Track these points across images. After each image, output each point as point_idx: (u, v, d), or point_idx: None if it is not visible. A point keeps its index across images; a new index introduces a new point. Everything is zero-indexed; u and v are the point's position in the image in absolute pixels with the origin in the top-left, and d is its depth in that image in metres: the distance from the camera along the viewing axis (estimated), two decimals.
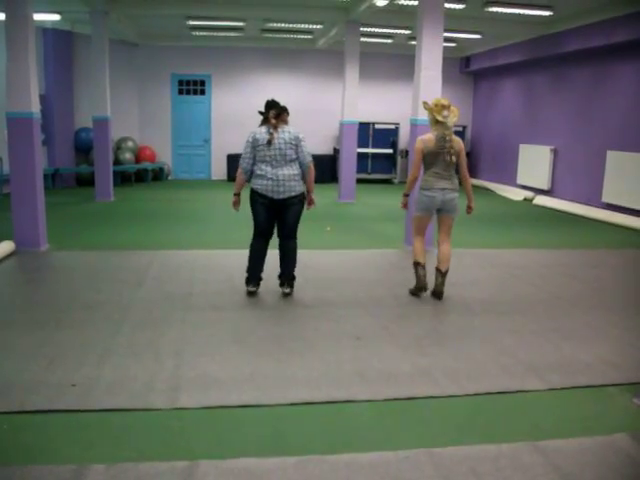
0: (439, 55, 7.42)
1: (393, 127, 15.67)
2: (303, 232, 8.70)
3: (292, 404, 3.47)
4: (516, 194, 13.48)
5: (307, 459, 2.88)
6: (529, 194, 13.11)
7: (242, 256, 7.11)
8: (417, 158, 5.44)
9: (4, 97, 7.01)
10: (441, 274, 5.53)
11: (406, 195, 5.69)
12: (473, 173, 16.38)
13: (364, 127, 14.63)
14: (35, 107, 7.06)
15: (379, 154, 15.66)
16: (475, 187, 15.61)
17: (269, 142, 5.20)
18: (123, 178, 14.04)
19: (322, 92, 15.51)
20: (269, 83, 15.61)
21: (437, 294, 5.54)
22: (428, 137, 5.40)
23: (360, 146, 13.11)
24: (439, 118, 5.32)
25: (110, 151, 11.56)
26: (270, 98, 5.48)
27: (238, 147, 15.53)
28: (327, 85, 15.42)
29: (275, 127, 5.25)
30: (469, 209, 5.68)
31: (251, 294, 5.51)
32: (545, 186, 12.76)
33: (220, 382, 3.70)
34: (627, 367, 4.07)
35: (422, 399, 3.59)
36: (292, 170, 5.29)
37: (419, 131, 7.53)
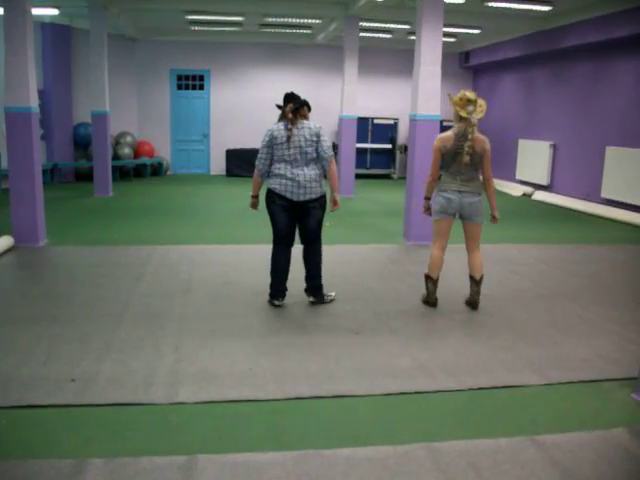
0: (438, 50, 7.41)
1: (392, 122, 15.66)
2: None
3: (291, 399, 3.48)
4: (515, 189, 13.48)
5: (306, 454, 2.88)
6: (528, 189, 13.10)
7: (241, 251, 7.14)
8: (435, 158, 5.00)
9: (3, 92, 7.00)
10: (476, 282, 5.09)
11: (427, 198, 5.15)
12: None
13: (363, 122, 14.59)
14: (34, 102, 7.04)
15: (378, 149, 15.64)
16: None
17: (288, 139, 4.81)
18: (122, 173, 14.02)
19: (321, 87, 15.48)
20: (268, 78, 15.59)
21: (472, 304, 5.13)
22: (448, 135, 4.94)
23: (359, 141, 13.09)
24: (462, 114, 4.83)
25: (109, 146, 11.54)
26: (289, 91, 5.05)
27: (237, 142, 15.57)
28: (326, 80, 15.38)
29: (293, 122, 4.85)
30: (494, 219, 5.12)
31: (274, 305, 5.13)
32: (544, 181, 12.76)
33: (219, 377, 3.71)
34: (626, 362, 4.07)
35: (421, 394, 3.59)
36: (313, 171, 4.87)
37: (418, 126, 7.55)
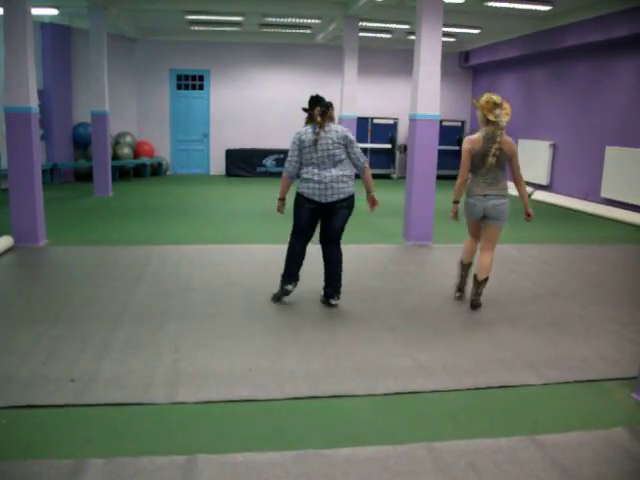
0: (438, 50, 7.41)
1: (392, 122, 15.66)
2: None
3: (290, 399, 3.48)
4: (515, 189, 13.45)
5: (306, 453, 2.88)
6: (528, 189, 12.92)
7: (241, 251, 7.14)
8: (465, 160, 5.00)
9: (2, 92, 6.99)
10: (476, 283, 5.07)
11: (456, 202, 5.16)
12: None
13: (363, 122, 14.60)
14: (33, 102, 7.04)
15: (378, 149, 15.65)
16: None
17: (315, 142, 4.85)
18: (121, 173, 14.01)
19: (321, 87, 15.36)
20: (267, 78, 15.61)
21: (472, 305, 5.10)
22: (476, 137, 4.97)
23: (359, 141, 13.00)
24: (490, 117, 4.88)
25: (108, 146, 11.54)
26: (314, 93, 5.07)
27: (237, 142, 15.57)
28: (326, 80, 15.36)
29: (321, 126, 4.87)
30: (528, 216, 5.16)
31: (286, 293, 5.15)
32: (544, 181, 12.76)
33: (219, 377, 3.71)
34: (625, 362, 4.07)
35: (421, 394, 3.59)
36: (340, 171, 4.91)
37: (418, 126, 7.55)
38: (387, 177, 15.83)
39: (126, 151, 14.16)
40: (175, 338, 4.33)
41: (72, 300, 5.17)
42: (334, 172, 4.89)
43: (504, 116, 4.90)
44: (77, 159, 13.79)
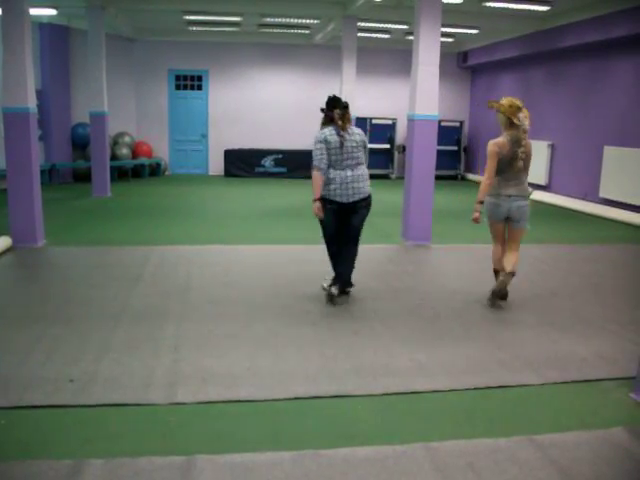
0: (437, 50, 7.42)
1: (390, 122, 15.66)
2: (300, 227, 8.73)
3: (290, 399, 3.48)
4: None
5: (304, 454, 2.88)
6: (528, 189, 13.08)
7: (240, 251, 7.14)
8: (492, 163, 5.00)
9: (1, 92, 6.99)
10: (505, 275, 5.17)
11: (480, 202, 5.13)
12: (471, 168, 16.40)
13: (361, 122, 14.58)
14: (32, 102, 7.04)
15: (376, 149, 15.63)
16: (473, 182, 15.64)
17: (341, 145, 4.93)
18: (120, 173, 13.99)
19: (319, 87, 15.44)
20: (266, 78, 15.61)
21: (500, 295, 5.21)
22: (503, 141, 5.00)
23: None
24: (515, 121, 4.94)
25: (107, 146, 11.54)
26: (331, 94, 5.16)
27: (235, 142, 15.57)
28: (324, 80, 15.37)
29: (343, 128, 4.98)
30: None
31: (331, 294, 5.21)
32: (542, 181, 12.77)
33: (218, 377, 3.71)
34: (624, 362, 4.07)
35: (419, 393, 3.59)
36: (360, 171, 5.03)
37: (417, 126, 7.56)
38: (386, 177, 15.84)
39: (125, 151, 14.15)
40: (174, 338, 4.32)
41: (71, 300, 5.16)
42: (355, 172, 5.00)
43: (525, 120, 4.99)
44: (75, 159, 13.78)
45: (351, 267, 5.30)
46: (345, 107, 5.03)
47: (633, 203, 9.99)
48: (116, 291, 5.43)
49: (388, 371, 3.86)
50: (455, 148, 16.08)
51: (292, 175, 15.29)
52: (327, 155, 4.95)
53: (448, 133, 15.45)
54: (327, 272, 5.50)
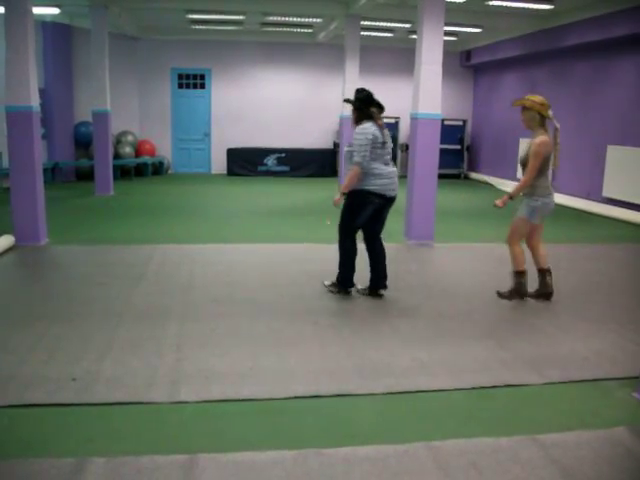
0: (440, 49, 7.41)
1: (393, 121, 15.62)
2: (303, 226, 8.73)
3: (291, 398, 3.48)
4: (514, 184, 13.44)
5: (306, 453, 2.88)
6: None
7: (242, 250, 7.14)
8: (538, 163, 4.98)
9: (4, 91, 7.00)
10: (544, 273, 5.36)
11: (511, 198, 5.19)
12: (473, 167, 16.39)
13: None
14: (35, 101, 7.04)
15: None
16: (475, 181, 15.64)
17: (385, 141, 5.07)
18: (123, 172, 14.00)
19: (322, 86, 15.48)
20: (269, 77, 15.60)
21: (545, 295, 5.35)
22: (547, 140, 4.99)
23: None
24: (549, 114, 4.99)
25: (110, 145, 11.55)
26: (367, 90, 5.21)
27: (238, 141, 15.57)
28: (327, 79, 15.37)
29: (382, 126, 5.09)
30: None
31: (349, 293, 5.39)
32: None
33: (220, 376, 3.71)
34: (626, 361, 4.07)
35: (421, 393, 3.59)
36: (394, 167, 5.23)
37: (419, 125, 7.55)
38: None
39: (127, 150, 14.16)
40: (177, 337, 4.33)
41: (73, 299, 5.17)
42: (394, 168, 5.20)
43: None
44: (78, 158, 13.80)
45: (385, 264, 5.39)
46: (379, 106, 5.14)
47: (636, 202, 9.96)
48: (119, 290, 5.44)
49: (390, 370, 3.86)
50: (458, 147, 16.05)
51: (295, 174, 15.28)
52: (370, 151, 4.98)
53: (451, 132, 15.43)
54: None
